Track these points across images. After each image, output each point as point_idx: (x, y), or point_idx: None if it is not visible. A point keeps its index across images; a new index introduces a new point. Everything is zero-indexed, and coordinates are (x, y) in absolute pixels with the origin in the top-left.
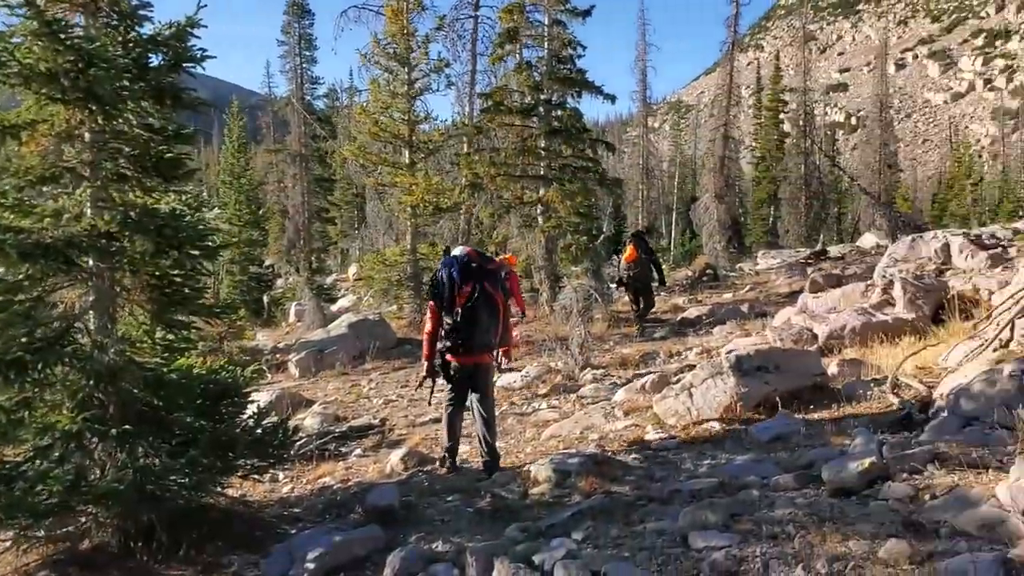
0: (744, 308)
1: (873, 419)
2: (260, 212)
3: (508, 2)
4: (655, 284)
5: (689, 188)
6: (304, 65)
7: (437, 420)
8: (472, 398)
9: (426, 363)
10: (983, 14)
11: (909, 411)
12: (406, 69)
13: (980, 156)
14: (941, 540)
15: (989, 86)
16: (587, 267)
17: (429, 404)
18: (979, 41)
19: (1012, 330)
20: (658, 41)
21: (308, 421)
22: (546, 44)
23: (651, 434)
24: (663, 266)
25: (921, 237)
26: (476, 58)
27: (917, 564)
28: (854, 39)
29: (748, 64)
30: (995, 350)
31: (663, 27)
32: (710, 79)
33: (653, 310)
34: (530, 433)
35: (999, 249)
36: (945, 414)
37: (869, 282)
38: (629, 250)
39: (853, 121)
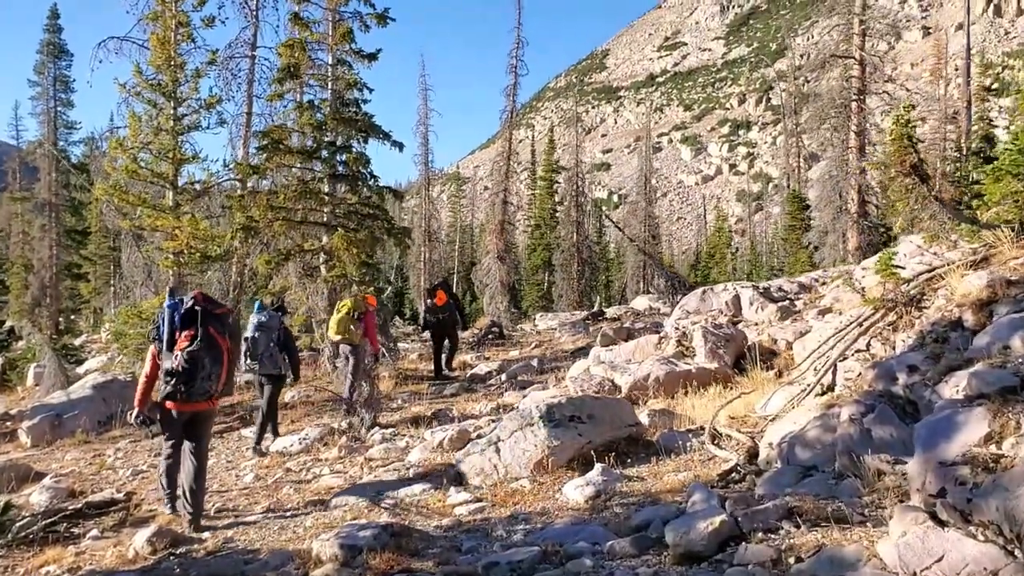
0: (534, 363)
1: (697, 472)
2: None
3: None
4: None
5: (469, 253)
6: (59, 108)
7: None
8: (185, 446)
9: (136, 409)
10: (728, 105)
11: (737, 463)
12: (172, 103)
13: (730, 233)
14: None
15: (734, 170)
16: None
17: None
18: (725, 129)
19: (835, 374)
20: (439, 108)
21: (35, 497)
22: (330, 84)
23: (454, 496)
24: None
25: (711, 289)
26: (252, 100)
27: None
28: (616, 122)
29: (520, 142)
30: (819, 395)
31: (444, 97)
32: (486, 153)
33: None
34: (311, 503)
35: (787, 302)
36: (779, 464)
37: (662, 334)
38: (439, 294)
39: (616, 199)
